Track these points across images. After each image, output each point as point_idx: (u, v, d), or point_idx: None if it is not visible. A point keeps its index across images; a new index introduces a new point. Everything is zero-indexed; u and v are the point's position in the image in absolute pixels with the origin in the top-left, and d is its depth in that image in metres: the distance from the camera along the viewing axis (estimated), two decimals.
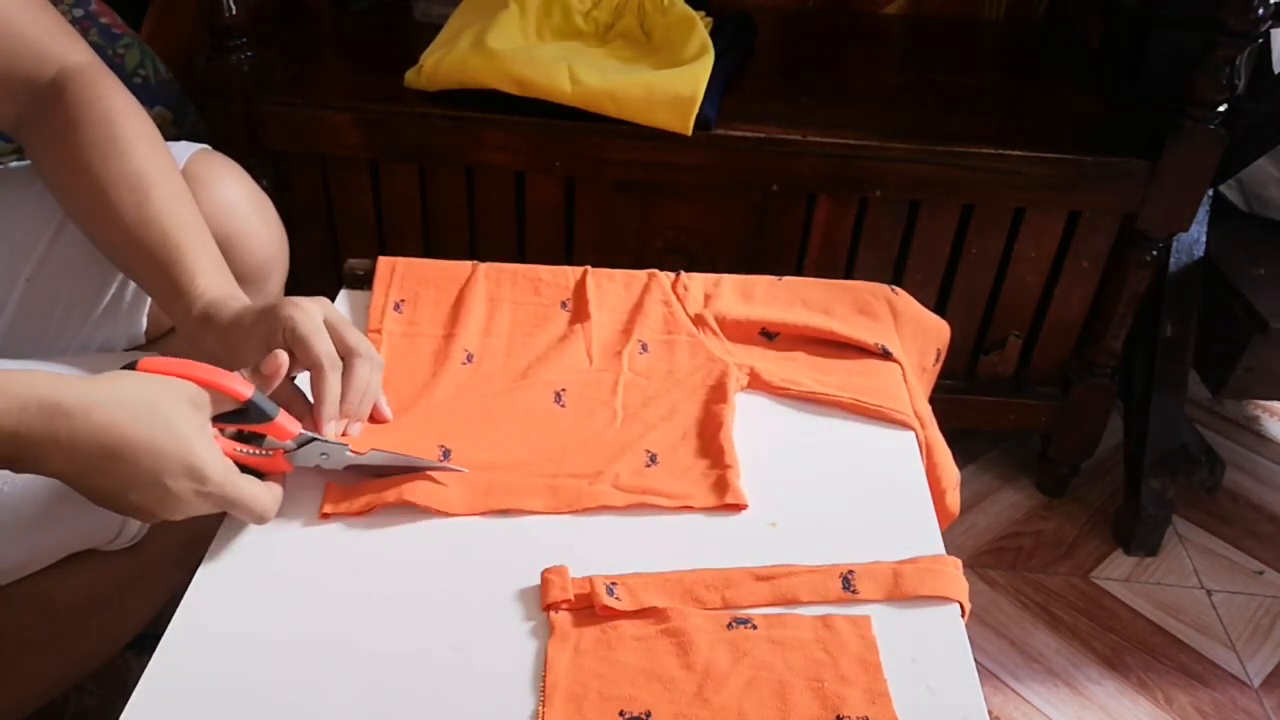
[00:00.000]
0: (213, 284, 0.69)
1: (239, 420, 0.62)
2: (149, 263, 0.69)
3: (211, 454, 0.58)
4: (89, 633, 0.76)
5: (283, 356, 0.65)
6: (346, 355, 0.66)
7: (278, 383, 0.65)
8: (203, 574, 0.61)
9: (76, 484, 0.57)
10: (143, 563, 0.75)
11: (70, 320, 0.78)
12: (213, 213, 0.78)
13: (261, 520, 0.62)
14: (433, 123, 1.14)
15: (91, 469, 0.55)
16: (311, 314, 0.65)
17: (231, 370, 0.63)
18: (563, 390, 0.76)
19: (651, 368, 0.79)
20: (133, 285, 0.79)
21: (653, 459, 0.70)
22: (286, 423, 0.63)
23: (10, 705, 0.74)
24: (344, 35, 1.38)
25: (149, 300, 0.80)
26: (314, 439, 0.64)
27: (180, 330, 0.69)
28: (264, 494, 0.61)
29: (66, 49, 0.74)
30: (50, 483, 0.68)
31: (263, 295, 0.87)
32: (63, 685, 0.81)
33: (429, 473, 0.67)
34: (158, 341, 0.83)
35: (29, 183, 0.77)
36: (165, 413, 0.56)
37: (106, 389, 0.56)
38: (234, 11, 1.07)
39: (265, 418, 0.62)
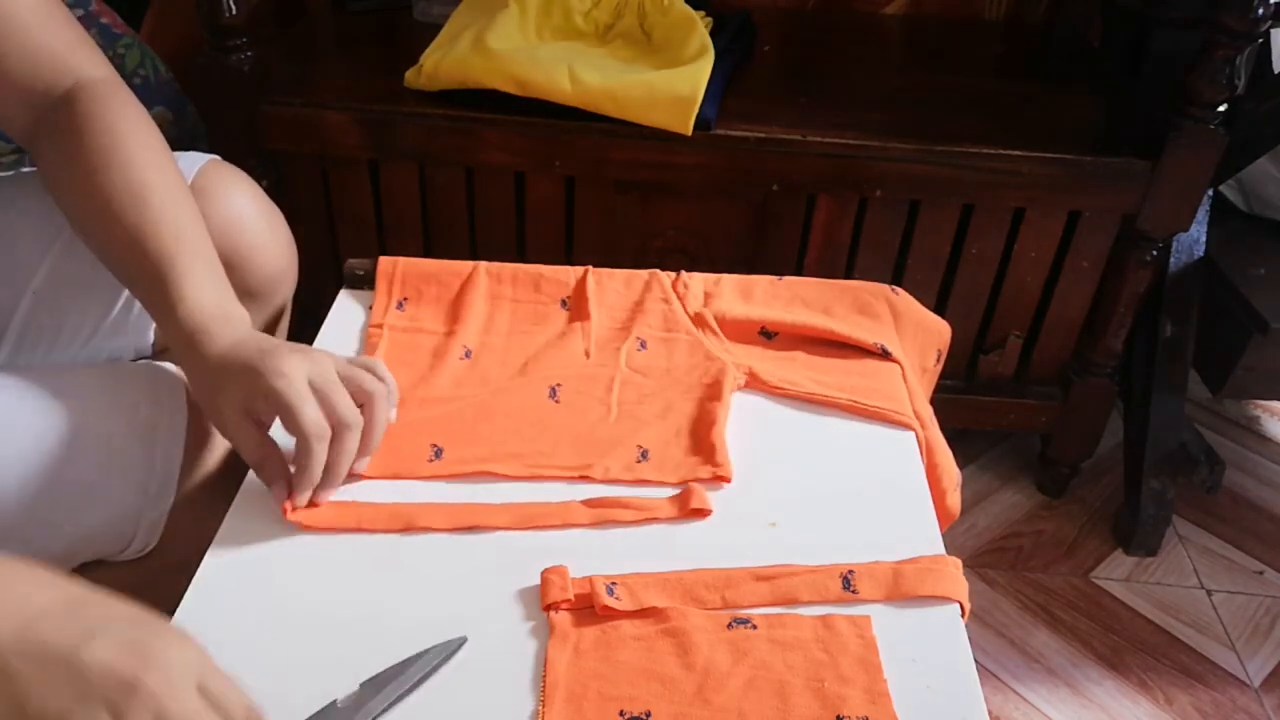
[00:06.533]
0: (203, 296, 0.66)
1: None
2: (144, 274, 0.68)
3: None
4: None
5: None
6: (335, 426, 0.63)
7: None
8: (201, 574, 0.61)
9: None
10: (147, 572, 0.75)
11: (80, 333, 0.78)
12: (222, 227, 0.77)
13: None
14: (433, 123, 1.14)
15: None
16: (295, 381, 0.62)
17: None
18: (558, 385, 0.76)
19: (649, 365, 0.79)
20: None
21: (644, 455, 0.70)
22: None
23: None
24: (344, 35, 1.38)
25: None
26: None
27: (172, 351, 0.68)
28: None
29: (85, 62, 0.74)
30: (66, 492, 0.67)
31: (270, 308, 0.87)
32: None
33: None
34: (166, 353, 0.83)
35: (36, 194, 0.77)
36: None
37: None
38: (234, 11, 1.07)
39: None
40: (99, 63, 0.76)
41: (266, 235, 0.84)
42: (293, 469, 0.64)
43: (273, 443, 0.65)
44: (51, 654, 0.44)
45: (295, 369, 0.63)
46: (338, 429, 0.63)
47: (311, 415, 0.62)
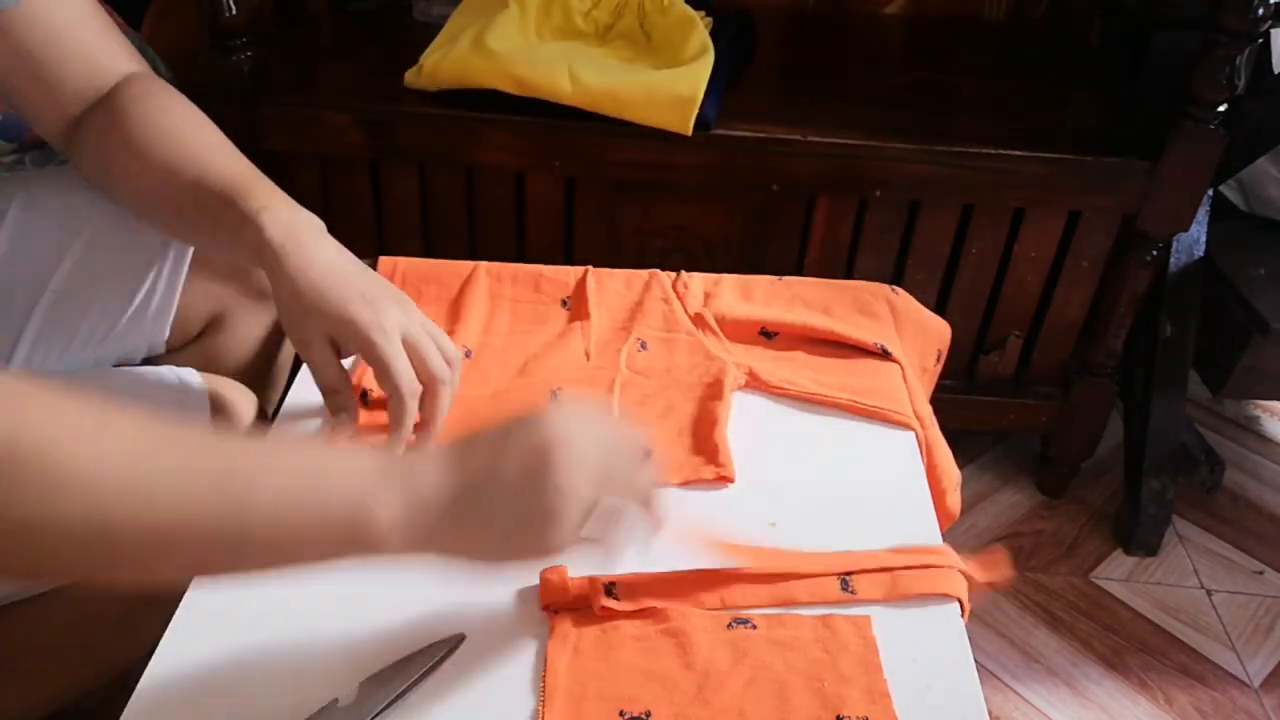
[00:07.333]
0: (286, 205, 0.67)
1: None
2: (224, 193, 0.67)
3: None
4: (104, 649, 0.76)
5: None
6: (428, 382, 0.65)
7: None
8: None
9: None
10: (167, 584, 0.75)
11: (97, 331, 0.78)
12: None
13: None
14: (433, 123, 1.14)
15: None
16: (392, 338, 0.63)
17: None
18: (559, 390, 0.76)
19: (650, 366, 0.79)
20: (159, 293, 0.79)
21: (646, 455, 0.70)
22: None
23: (24, 713, 0.74)
24: (344, 35, 1.38)
25: (174, 308, 0.80)
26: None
27: (261, 262, 0.66)
28: None
29: (127, 60, 0.76)
30: None
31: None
32: (75, 694, 0.81)
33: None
34: (177, 351, 0.83)
35: (56, 192, 0.77)
36: None
37: None
38: (234, 11, 1.07)
39: None
40: (138, 60, 0.77)
41: None
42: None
43: (346, 373, 0.66)
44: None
45: (393, 323, 0.64)
46: (429, 384, 0.65)
47: (406, 374, 0.64)
